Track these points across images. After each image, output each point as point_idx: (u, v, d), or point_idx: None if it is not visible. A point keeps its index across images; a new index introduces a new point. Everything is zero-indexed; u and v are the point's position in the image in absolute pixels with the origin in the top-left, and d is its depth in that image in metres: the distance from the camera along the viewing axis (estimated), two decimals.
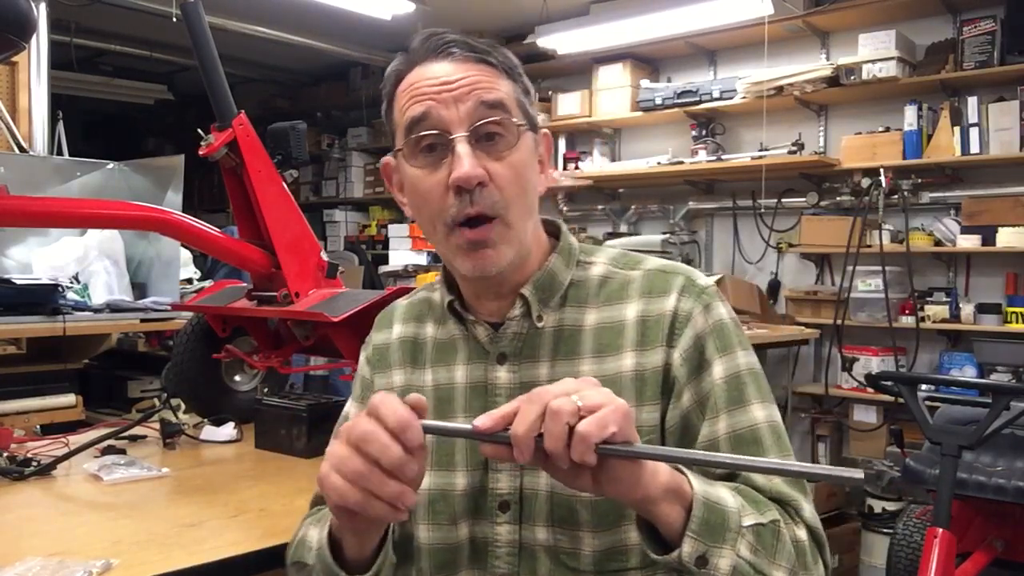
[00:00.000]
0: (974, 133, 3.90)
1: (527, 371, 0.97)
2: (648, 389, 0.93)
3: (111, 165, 3.39)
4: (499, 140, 0.92)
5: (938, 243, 4.09)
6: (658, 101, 4.87)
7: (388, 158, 1.01)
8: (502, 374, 0.98)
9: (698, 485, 0.80)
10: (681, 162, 4.82)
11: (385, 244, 5.94)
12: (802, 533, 0.87)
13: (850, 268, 4.14)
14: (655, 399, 0.93)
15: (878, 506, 3.82)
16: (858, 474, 0.71)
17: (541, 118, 1.02)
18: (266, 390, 2.06)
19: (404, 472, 0.76)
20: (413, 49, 0.96)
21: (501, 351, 0.99)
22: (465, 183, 0.89)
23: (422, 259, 5.26)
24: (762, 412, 0.93)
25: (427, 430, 0.78)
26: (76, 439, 1.88)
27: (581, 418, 0.71)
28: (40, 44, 4.04)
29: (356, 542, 0.89)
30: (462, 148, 0.90)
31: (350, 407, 1.12)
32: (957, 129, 3.95)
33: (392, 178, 1.02)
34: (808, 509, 0.90)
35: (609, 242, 4.74)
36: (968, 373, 3.91)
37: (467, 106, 0.91)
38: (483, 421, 0.75)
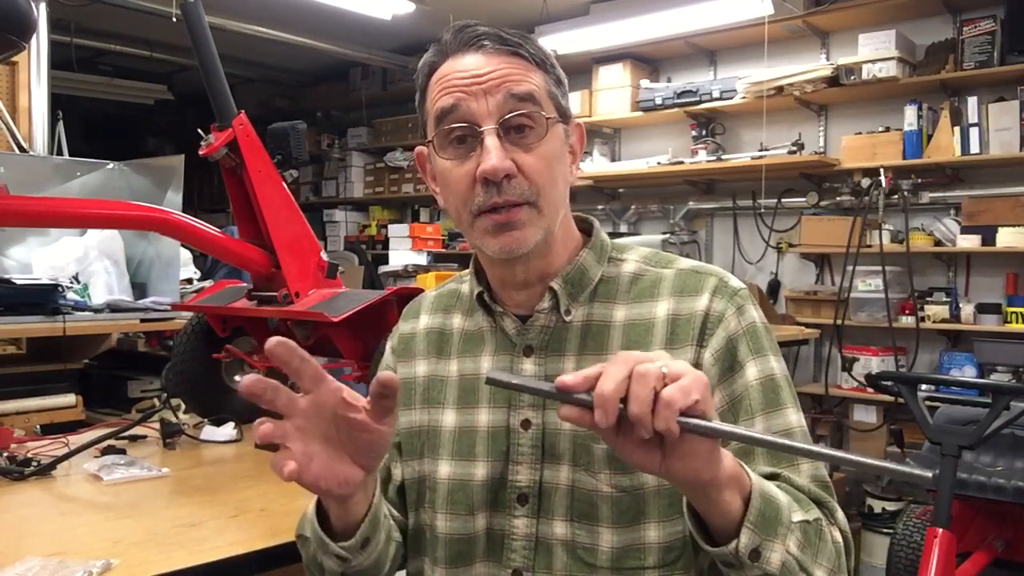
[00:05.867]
0: (974, 133, 3.90)
1: (553, 364, 0.97)
2: None
3: (111, 165, 3.39)
4: (528, 132, 0.93)
5: (938, 243, 4.09)
6: (658, 101, 4.88)
7: (421, 148, 1.01)
8: (528, 366, 0.98)
9: (755, 478, 0.79)
10: (681, 162, 4.82)
11: (385, 244, 5.94)
12: (838, 535, 0.88)
13: (850, 268, 4.14)
14: None
15: (878, 506, 3.82)
16: (927, 473, 0.69)
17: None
18: None
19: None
20: (446, 41, 0.96)
21: (528, 343, 0.99)
22: (492, 176, 0.90)
23: (422, 259, 5.26)
24: (795, 416, 0.93)
25: (505, 384, 0.76)
26: (76, 439, 1.88)
27: (666, 384, 0.69)
28: (40, 44, 4.04)
29: (338, 511, 0.88)
30: (490, 141, 0.91)
31: None
32: (957, 129, 3.95)
33: (426, 167, 1.02)
34: (840, 514, 0.90)
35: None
36: (968, 373, 3.92)
37: (497, 99, 0.91)
38: (568, 378, 0.71)
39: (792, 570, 0.79)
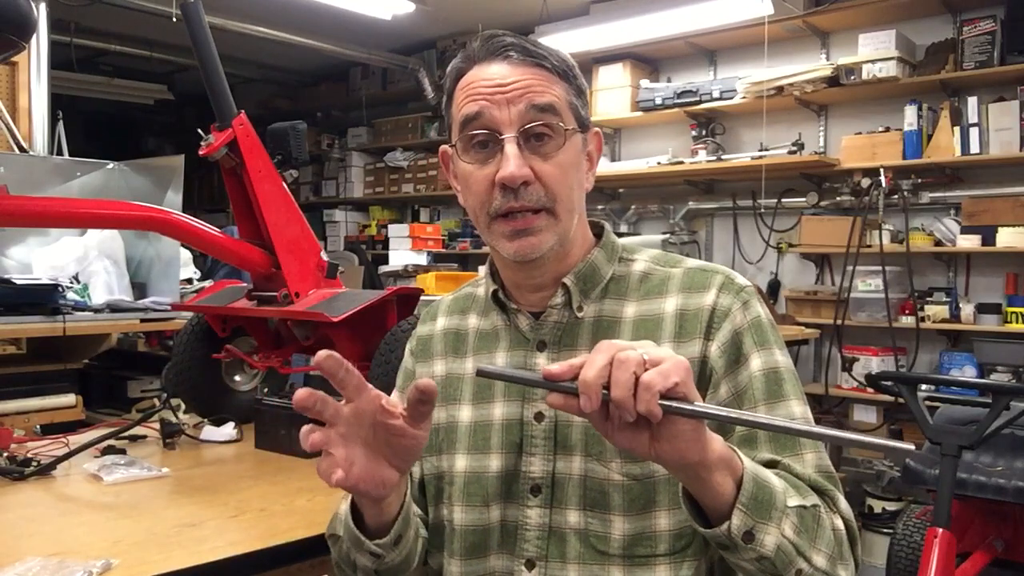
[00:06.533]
0: (974, 133, 3.90)
1: (566, 359, 0.99)
2: None
3: (111, 165, 3.39)
4: (547, 141, 0.96)
5: (938, 243, 4.09)
6: (658, 101, 4.88)
7: (446, 147, 1.04)
8: (541, 361, 1.01)
9: (747, 461, 0.81)
10: (681, 162, 4.82)
11: (385, 244, 5.94)
12: (839, 522, 0.89)
13: (850, 268, 4.15)
14: None
15: (878, 506, 3.82)
16: (909, 446, 0.72)
17: None
18: (266, 390, 2.06)
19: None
20: (474, 49, 1.00)
21: (541, 339, 1.02)
22: (510, 182, 0.94)
23: (422, 259, 5.26)
24: (799, 408, 0.95)
25: (495, 376, 0.80)
26: (76, 439, 1.88)
27: (646, 369, 0.72)
28: (40, 44, 4.04)
29: (373, 510, 0.91)
30: (510, 148, 0.95)
31: (394, 397, 1.15)
32: (957, 129, 3.95)
33: (449, 167, 1.06)
34: (843, 503, 0.92)
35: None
36: (968, 373, 3.92)
37: (518, 108, 0.95)
38: (553, 367, 0.75)
39: (788, 553, 0.81)
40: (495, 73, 0.97)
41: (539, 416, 0.99)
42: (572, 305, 1.01)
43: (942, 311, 4.02)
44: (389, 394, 1.17)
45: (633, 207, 5.26)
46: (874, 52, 4.08)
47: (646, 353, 0.73)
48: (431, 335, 1.14)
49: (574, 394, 0.74)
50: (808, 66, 4.37)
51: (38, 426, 2.25)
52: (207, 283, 3.48)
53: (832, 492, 0.91)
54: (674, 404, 0.72)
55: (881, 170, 4.07)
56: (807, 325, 4.30)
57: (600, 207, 5.38)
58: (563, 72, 1.00)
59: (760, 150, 4.55)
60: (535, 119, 0.95)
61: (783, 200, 4.66)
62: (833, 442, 0.75)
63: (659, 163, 4.90)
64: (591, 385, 0.72)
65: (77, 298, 2.94)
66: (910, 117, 4.08)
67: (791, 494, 0.84)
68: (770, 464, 0.90)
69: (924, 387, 3.45)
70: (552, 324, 1.02)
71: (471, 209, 1.01)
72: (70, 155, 3.84)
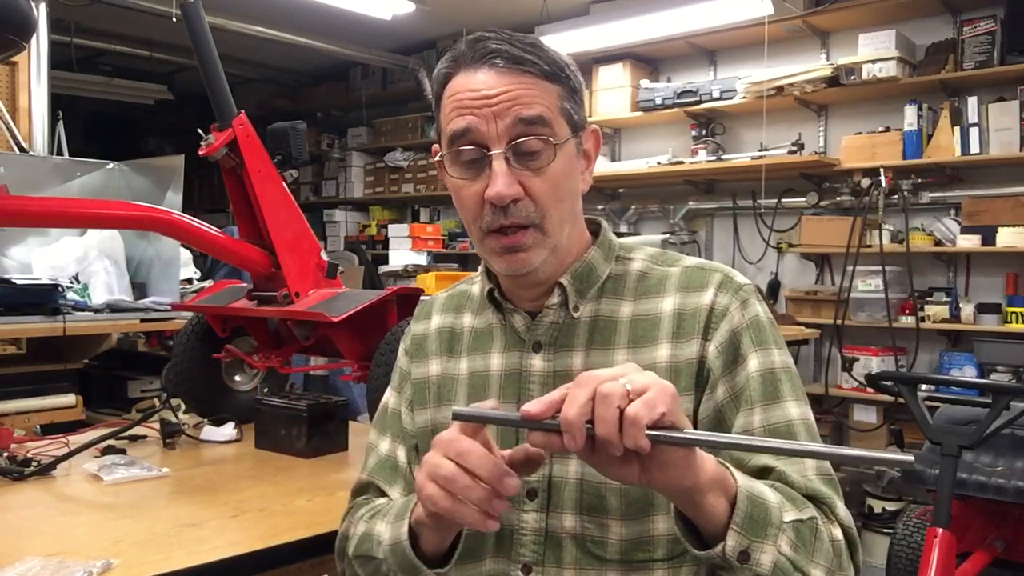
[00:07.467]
0: (974, 133, 3.90)
1: (561, 360, 0.99)
2: (682, 381, 0.94)
3: (111, 165, 3.39)
4: (537, 156, 0.94)
5: (938, 243, 4.09)
6: (658, 101, 4.88)
7: (438, 147, 1.02)
8: (537, 362, 1.00)
9: (741, 479, 0.80)
10: (681, 162, 4.82)
11: (385, 244, 5.94)
12: (838, 532, 0.87)
13: (850, 268, 4.15)
14: (688, 391, 0.94)
15: (878, 506, 3.83)
16: (908, 457, 0.70)
17: None
18: (266, 390, 2.06)
19: (503, 484, 0.79)
20: (460, 52, 0.97)
21: (537, 339, 1.01)
22: (498, 201, 0.92)
23: (422, 259, 5.26)
24: (796, 409, 0.94)
25: (473, 418, 0.78)
26: (76, 439, 1.87)
27: (630, 401, 0.70)
28: (40, 44, 4.04)
29: (437, 539, 0.90)
30: (498, 165, 0.92)
31: (389, 396, 1.15)
32: (957, 129, 3.95)
33: (442, 165, 1.03)
34: (842, 509, 0.90)
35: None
36: (968, 373, 3.92)
37: (506, 122, 0.92)
38: (532, 406, 0.73)
39: (785, 570, 0.80)
40: (481, 83, 0.93)
41: None
42: (568, 305, 1.00)
43: (942, 311, 4.02)
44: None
45: (633, 207, 5.26)
46: (874, 52, 4.08)
47: (629, 382, 0.71)
48: (426, 334, 1.12)
49: (557, 432, 0.71)
50: (808, 66, 4.37)
51: (38, 426, 2.26)
52: (207, 283, 3.48)
53: (831, 499, 0.89)
54: (663, 434, 0.70)
55: (881, 170, 4.07)
56: (807, 325, 4.31)
57: (600, 207, 5.38)
58: (553, 74, 0.96)
59: (760, 150, 4.55)
60: (523, 133, 0.92)
61: (783, 200, 4.66)
62: (827, 459, 0.72)
63: (659, 163, 4.90)
64: (573, 423, 0.70)
65: (77, 298, 2.94)
66: (910, 117, 4.08)
67: (787, 508, 0.82)
68: (766, 470, 0.89)
69: (924, 387, 3.45)
70: (548, 324, 1.00)
71: (464, 221, 1.00)
72: (70, 155, 3.84)
